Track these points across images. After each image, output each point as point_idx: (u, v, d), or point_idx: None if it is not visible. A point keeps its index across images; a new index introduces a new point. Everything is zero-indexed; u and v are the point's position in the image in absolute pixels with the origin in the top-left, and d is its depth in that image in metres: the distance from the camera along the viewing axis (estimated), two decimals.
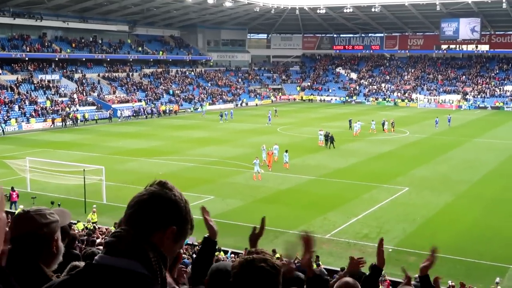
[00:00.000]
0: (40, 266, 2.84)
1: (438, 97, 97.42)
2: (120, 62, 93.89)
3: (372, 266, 4.48)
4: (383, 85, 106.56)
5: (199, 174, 39.16)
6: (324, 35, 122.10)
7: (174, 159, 44.20)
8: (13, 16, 79.25)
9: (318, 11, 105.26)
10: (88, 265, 2.18)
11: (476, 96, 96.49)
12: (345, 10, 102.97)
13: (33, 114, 67.76)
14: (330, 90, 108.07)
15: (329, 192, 34.25)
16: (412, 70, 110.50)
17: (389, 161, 44.26)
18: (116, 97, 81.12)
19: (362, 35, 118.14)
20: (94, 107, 75.75)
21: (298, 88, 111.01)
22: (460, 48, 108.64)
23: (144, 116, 77.13)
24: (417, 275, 5.45)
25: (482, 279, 21.09)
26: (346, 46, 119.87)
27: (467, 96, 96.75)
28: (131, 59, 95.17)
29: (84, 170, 30.49)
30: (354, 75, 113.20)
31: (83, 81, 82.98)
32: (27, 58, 79.60)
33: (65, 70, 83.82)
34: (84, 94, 78.71)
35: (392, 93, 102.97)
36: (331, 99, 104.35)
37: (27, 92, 73.32)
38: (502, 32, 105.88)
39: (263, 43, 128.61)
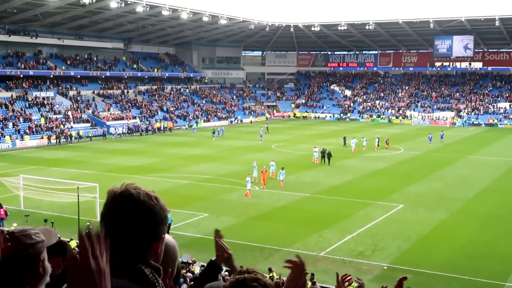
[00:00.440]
0: None
1: (432, 114, 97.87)
2: (115, 79, 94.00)
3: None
4: (377, 102, 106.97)
5: (193, 191, 39.07)
6: (318, 52, 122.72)
7: (169, 176, 44.11)
8: (8, 33, 79.40)
9: (312, 28, 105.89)
10: None
11: (470, 113, 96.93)
12: (339, 28, 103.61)
13: (27, 131, 67.60)
14: (324, 107, 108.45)
15: (324, 209, 34.17)
16: (406, 87, 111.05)
17: (383, 178, 44.27)
18: (110, 114, 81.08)
19: (357, 52, 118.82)
20: (89, 124, 75.66)
21: (293, 105, 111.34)
22: (454, 66, 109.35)
23: (139, 133, 77.08)
24: None
25: None
26: (341, 64, 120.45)
27: (461, 113, 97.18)
28: (126, 76, 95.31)
29: (78, 187, 30.33)
30: (348, 92, 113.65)
31: (78, 98, 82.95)
32: (22, 75, 79.62)
33: (60, 87, 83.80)
34: (79, 111, 78.65)
35: (386, 110, 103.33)
36: (326, 116, 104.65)
37: (21, 109, 73.21)
38: (495, 50, 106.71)
39: (258, 60, 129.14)
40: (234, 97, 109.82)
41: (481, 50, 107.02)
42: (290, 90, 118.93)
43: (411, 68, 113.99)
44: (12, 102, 74.06)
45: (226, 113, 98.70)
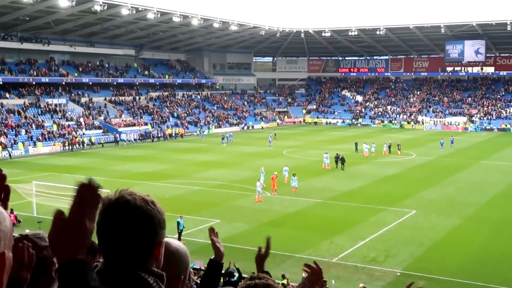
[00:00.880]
0: None
1: (444, 119, 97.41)
2: (126, 86, 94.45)
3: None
4: (388, 107, 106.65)
5: (205, 197, 39.10)
6: (329, 58, 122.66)
7: (180, 183, 44.18)
8: (20, 41, 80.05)
9: (323, 34, 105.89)
10: None
11: (482, 118, 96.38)
12: (350, 33, 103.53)
13: (40, 138, 68.01)
14: (335, 113, 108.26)
15: (335, 215, 34.07)
16: (418, 93, 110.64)
17: (396, 184, 44.10)
18: (122, 120, 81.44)
19: (367, 57, 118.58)
20: (101, 131, 76.01)
21: (304, 111, 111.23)
22: (466, 70, 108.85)
23: (150, 140, 77.33)
24: None
25: None
26: (352, 69, 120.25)
27: (473, 118, 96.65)
28: (137, 83, 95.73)
29: None
30: (359, 98, 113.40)
31: (90, 105, 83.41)
32: (34, 82, 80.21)
33: (72, 94, 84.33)
34: (91, 118, 79.06)
35: (398, 116, 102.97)
36: (337, 121, 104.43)
37: (34, 116, 73.72)
38: (507, 54, 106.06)
39: (269, 66, 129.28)
40: (245, 103, 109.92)
41: (493, 55, 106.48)
42: (301, 95, 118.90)
43: (422, 73, 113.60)
44: (24, 109, 74.59)
45: (237, 119, 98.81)
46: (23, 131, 68.37)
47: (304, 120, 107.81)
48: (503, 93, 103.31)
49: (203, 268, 21.09)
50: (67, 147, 67.52)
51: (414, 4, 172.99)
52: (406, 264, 25.12)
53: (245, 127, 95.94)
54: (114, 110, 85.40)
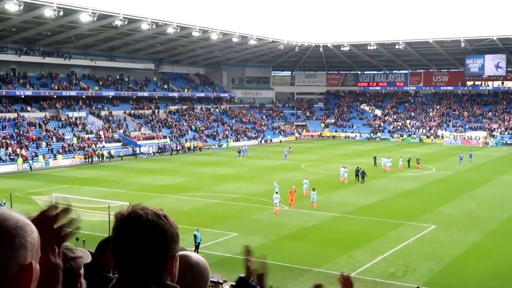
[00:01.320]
0: None
1: (464, 134, 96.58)
2: (146, 100, 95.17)
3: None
4: (408, 121, 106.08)
5: (222, 210, 39.11)
6: (348, 72, 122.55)
7: (198, 196, 44.26)
8: (42, 55, 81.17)
9: (342, 48, 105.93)
10: None
11: (503, 133, 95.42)
12: (369, 47, 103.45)
13: (60, 150, 68.66)
14: (354, 127, 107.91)
15: (354, 229, 33.85)
16: (437, 107, 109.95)
17: (415, 198, 43.73)
18: (141, 133, 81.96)
19: (386, 71, 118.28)
20: (120, 144, 76.55)
21: (322, 125, 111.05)
22: (486, 85, 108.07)
23: (169, 153, 77.68)
24: None
25: None
26: (371, 83, 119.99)
27: (494, 133, 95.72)
28: (156, 97, 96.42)
29: (109, 206, 30.63)
30: (378, 112, 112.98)
31: (110, 118, 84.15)
32: (55, 96, 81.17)
33: (92, 107, 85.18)
34: (110, 131, 79.71)
35: (417, 130, 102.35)
36: (356, 135, 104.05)
37: (54, 129, 74.52)
38: None
39: (287, 80, 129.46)
40: (264, 116, 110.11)
41: None
42: (319, 109, 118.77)
43: (442, 87, 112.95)
44: (45, 122, 75.47)
45: (255, 132, 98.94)
46: (43, 144, 69.10)
47: (321, 134, 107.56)
48: None
49: (221, 281, 21.08)
50: (86, 160, 68.13)
51: (433, 18, 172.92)
52: (425, 279, 24.84)
53: (263, 141, 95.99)
54: (133, 123, 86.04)
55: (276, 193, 38.80)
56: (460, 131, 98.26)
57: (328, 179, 52.79)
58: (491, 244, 30.74)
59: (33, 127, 73.09)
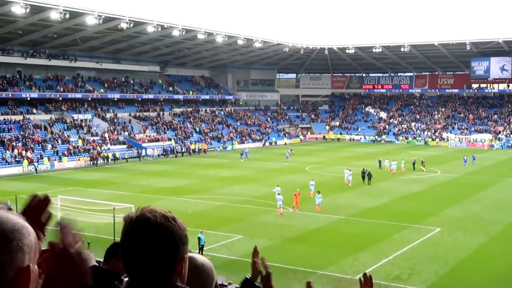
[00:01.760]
0: None
1: (469, 136, 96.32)
2: (151, 102, 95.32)
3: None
4: (413, 124, 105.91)
5: (227, 213, 39.10)
6: (353, 74, 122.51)
7: (203, 198, 44.26)
8: (48, 58, 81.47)
9: (347, 51, 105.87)
10: None
11: (508, 136, 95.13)
12: (374, 50, 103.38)
13: (66, 153, 68.78)
14: (359, 129, 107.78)
15: (359, 232, 33.78)
16: (443, 109, 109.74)
17: (420, 201, 43.62)
18: (146, 136, 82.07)
19: (392, 74, 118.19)
20: (125, 146, 76.66)
21: (327, 127, 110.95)
22: (491, 87, 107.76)
23: (174, 155, 77.75)
24: None
25: None
26: (376, 86, 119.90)
27: (499, 135, 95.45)
28: (161, 99, 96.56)
29: (114, 208, 30.66)
30: (383, 114, 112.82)
31: (115, 120, 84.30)
32: (61, 98, 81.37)
33: (97, 110, 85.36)
34: (116, 133, 79.86)
35: (422, 132, 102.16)
36: (360, 138, 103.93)
37: (60, 131, 74.70)
38: None
39: (292, 83, 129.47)
40: (269, 119, 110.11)
41: None
42: (324, 112, 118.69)
43: (447, 90, 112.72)
44: (51, 124, 75.65)
45: (260, 135, 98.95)
46: (49, 146, 69.24)
47: (324, 137, 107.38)
48: None
49: (226, 284, 21.06)
50: (91, 162, 68.25)
51: (439, 21, 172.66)
52: (430, 282, 24.77)
53: (267, 143, 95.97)
54: (138, 125, 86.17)
55: (278, 194, 38.99)
56: (466, 134, 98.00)
57: (333, 181, 52.74)
58: (497, 247, 30.63)
59: (39, 129, 73.27)
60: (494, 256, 29.05)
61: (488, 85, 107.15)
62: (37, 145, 68.69)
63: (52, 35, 76.81)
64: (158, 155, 76.32)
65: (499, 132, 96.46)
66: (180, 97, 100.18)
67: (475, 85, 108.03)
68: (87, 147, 71.83)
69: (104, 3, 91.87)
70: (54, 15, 65.41)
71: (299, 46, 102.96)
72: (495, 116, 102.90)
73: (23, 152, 64.94)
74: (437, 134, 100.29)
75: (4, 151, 64.45)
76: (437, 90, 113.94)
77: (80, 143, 72.68)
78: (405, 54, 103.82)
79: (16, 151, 64.88)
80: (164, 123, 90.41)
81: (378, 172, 57.69)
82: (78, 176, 58.92)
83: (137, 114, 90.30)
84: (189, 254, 2.69)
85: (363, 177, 51.24)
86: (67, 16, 65.30)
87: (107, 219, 31.03)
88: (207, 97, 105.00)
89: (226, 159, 74.02)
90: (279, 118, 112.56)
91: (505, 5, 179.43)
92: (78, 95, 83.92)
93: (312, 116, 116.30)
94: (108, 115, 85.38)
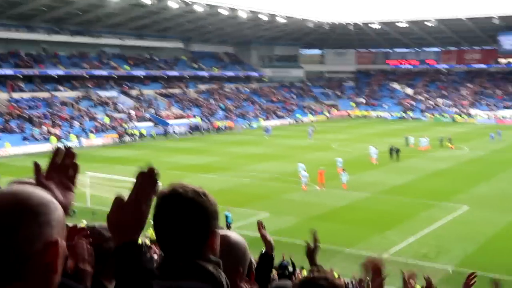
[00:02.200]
0: (102, 282, 2.84)
1: (497, 113, 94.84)
2: (175, 79, 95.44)
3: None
4: (439, 100, 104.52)
5: (254, 190, 39.24)
6: (378, 50, 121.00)
7: (230, 175, 44.45)
8: (72, 34, 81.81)
9: (372, 26, 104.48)
10: None
11: None
12: (399, 25, 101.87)
13: (93, 130, 69.40)
14: (386, 106, 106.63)
15: (386, 210, 33.68)
16: (470, 85, 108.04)
17: (447, 178, 43.24)
18: (172, 113, 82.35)
19: (417, 49, 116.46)
20: (151, 123, 77.07)
21: (353, 104, 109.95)
22: None
23: (200, 132, 77.97)
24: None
25: None
26: (401, 61, 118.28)
27: None
28: (186, 76, 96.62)
29: None
30: (409, 91, 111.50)
31: (140, 97, 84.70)
32: (87, 76, 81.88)
33: (122, 87, 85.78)
34: (142, 110, 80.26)
35: (449, 109, 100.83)
36: (387, 115, 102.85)
37: (86, 109, 75.33)
38: None
39: (317, 59, 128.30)
40: (293, 96, 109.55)
41: None
42: (349, 88, 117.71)
43: (475, 65, 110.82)
44: (77, 101, 76.30)
45: (285, 111, 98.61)
46: (76, 123, 69.93)
47: (349, 114, 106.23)
48: None
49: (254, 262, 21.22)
50: (119, 139, 68.81)
51: None
52: (458, 260, 24.66)
53: (293, 120, 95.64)
54: (163, 102, 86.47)
55: (304, 171, 39.35)
56: (494, 110, 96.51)
57: (359, 158, 52.44)
58: None
59: (65, 107, 73.98)
60: None
61: None
62: (64, 122, 69.40)
63: (76, 11, 77.08)
64: (185, 132, 76.58)
65: None
66: (205, 74, 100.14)
67: (503, 60, 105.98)
68: (113, 125, 72.37)
69: None
70: None
71: (323, 22, 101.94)
72: None
73: (51, 129, 65.71)
74: (464, 110, 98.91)
75: (32, 128, 65.29)
76: (464, 66, 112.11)
77: (106, 120, 73.22)
78: (431, 28, 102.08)
79: (44, 128, 65.67)
80: (189, 100, 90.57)
81: (405, 150, 57.22)
82: (105, 153, 59.50)
83: (163, 91, 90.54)
84: (224, 232, 2.74)
85: (391, 154, 50.92)
86: None
87: None
88: (231, 73, 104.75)
89: (252, 135, 74.06)
90: (304, 94, 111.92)
91: None
92: (104, 73, 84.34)
93: (338, 93, 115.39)
94: (133, 92, 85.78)
